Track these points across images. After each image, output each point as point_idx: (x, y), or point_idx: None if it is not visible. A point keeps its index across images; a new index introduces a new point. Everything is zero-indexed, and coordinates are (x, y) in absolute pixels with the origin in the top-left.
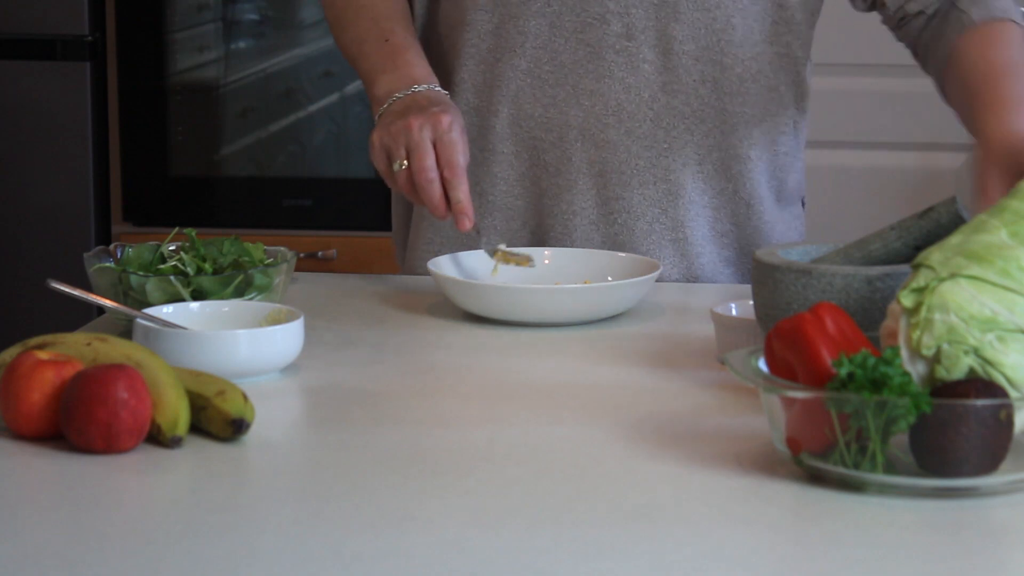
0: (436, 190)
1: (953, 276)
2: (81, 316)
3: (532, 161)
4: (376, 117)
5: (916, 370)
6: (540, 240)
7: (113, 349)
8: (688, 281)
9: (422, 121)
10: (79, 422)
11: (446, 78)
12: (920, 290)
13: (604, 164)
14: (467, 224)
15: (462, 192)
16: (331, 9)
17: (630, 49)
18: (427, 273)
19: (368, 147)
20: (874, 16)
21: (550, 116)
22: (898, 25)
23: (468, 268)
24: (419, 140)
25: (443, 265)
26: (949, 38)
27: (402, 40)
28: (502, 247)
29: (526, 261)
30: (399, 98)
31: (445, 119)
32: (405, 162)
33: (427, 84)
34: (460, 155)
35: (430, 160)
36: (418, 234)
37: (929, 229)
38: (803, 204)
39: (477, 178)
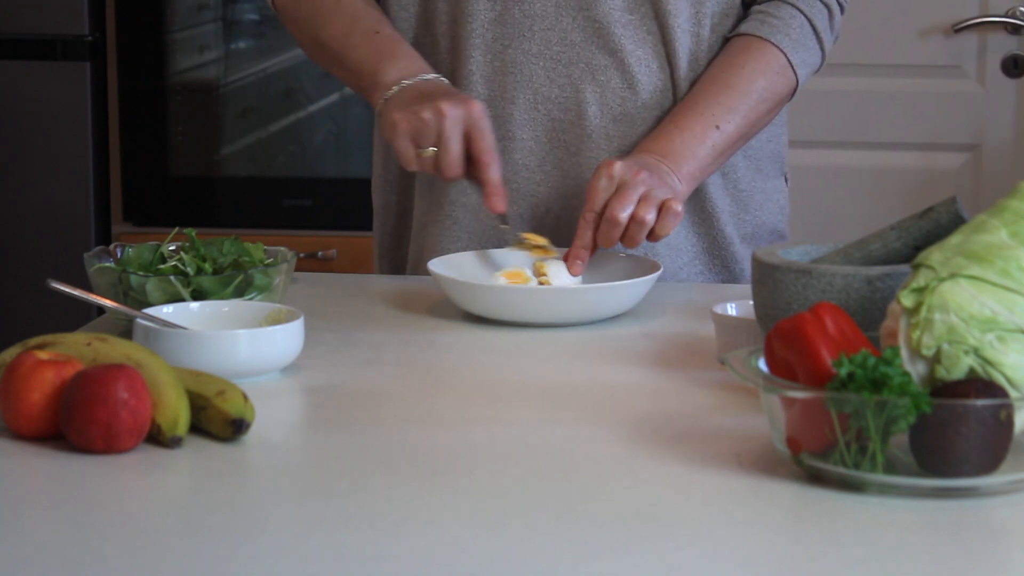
0: (457, 180)
1: (953, 276)
2: (81, 316)
3: (552, 143)
4: (380, 102)
5: (916, 370)
6: (566, 223)
7: (113, 349)
8: (710, 252)
9: (456, 108)
10: (79, 422)
11: (451, 74)
12: (920, 290)
13: (623, 138)
14: (500, 206)
15: (496, 175)
16: (300, 6)
17: (634, 22)
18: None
19: (385, 128)
20: (873, 17)
21: (567, 96)
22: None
23: (472, 268)
24: (451, 132)
25: (444, 265)
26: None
27: (393, 34)
28: (524, 236)
29: (551, 252)
30: (409, 84)
31: (477, 106)
32: (433, 149)
33: (434, 75)
34: (494, 142)
35: (458, 156)
36: (437, 232)
37: (929, 229)
38: (786, 180)
39: None
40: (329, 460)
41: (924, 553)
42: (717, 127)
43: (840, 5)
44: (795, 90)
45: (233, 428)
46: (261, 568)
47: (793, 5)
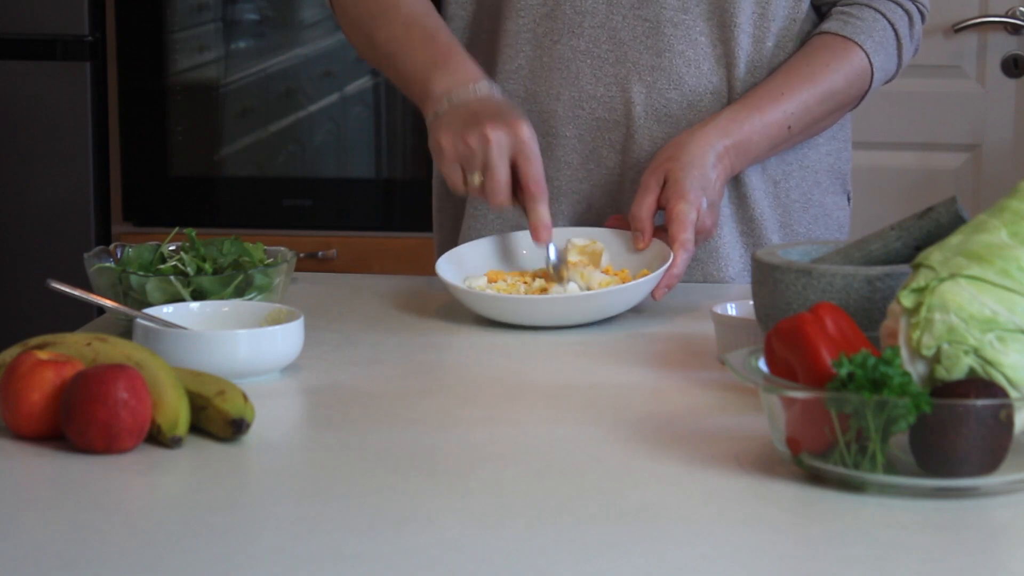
0: (506, 207)
1: (953, 276)
2: (81, 316)
3: (596, 142)
4: (431, 115)
5: (916, 370)
6: (608, 219)
7: (113, 349)
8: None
9: (501, 132)
10: (79, 422)
11: (497, 66)
12: (920, 290)
13: (667, 139)
14: (545, 238)
15: (544, 209)
16: (357, 5)
17: (687, 22)
18: None
19: (433, 150)
20: None
21: (612, 95)
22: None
23: (478, 265)
24: (497, 159)
25: (450, 267)
26: (812, 32)
27: (449, 39)
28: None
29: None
30: (459, 98)
31: (525, 130)
32: (480, 178)
33: (486, 84)
34: (542, 169)
35: (504, 184)
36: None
37: (929, 229)
38: (848, 199)
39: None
40: (329, 460)
41: (924, 553)
42: (789, 127)
43: (921, 13)
44: (864, 97)
45: (233, 428)
46: (261, 568)
47: (875, 9)
